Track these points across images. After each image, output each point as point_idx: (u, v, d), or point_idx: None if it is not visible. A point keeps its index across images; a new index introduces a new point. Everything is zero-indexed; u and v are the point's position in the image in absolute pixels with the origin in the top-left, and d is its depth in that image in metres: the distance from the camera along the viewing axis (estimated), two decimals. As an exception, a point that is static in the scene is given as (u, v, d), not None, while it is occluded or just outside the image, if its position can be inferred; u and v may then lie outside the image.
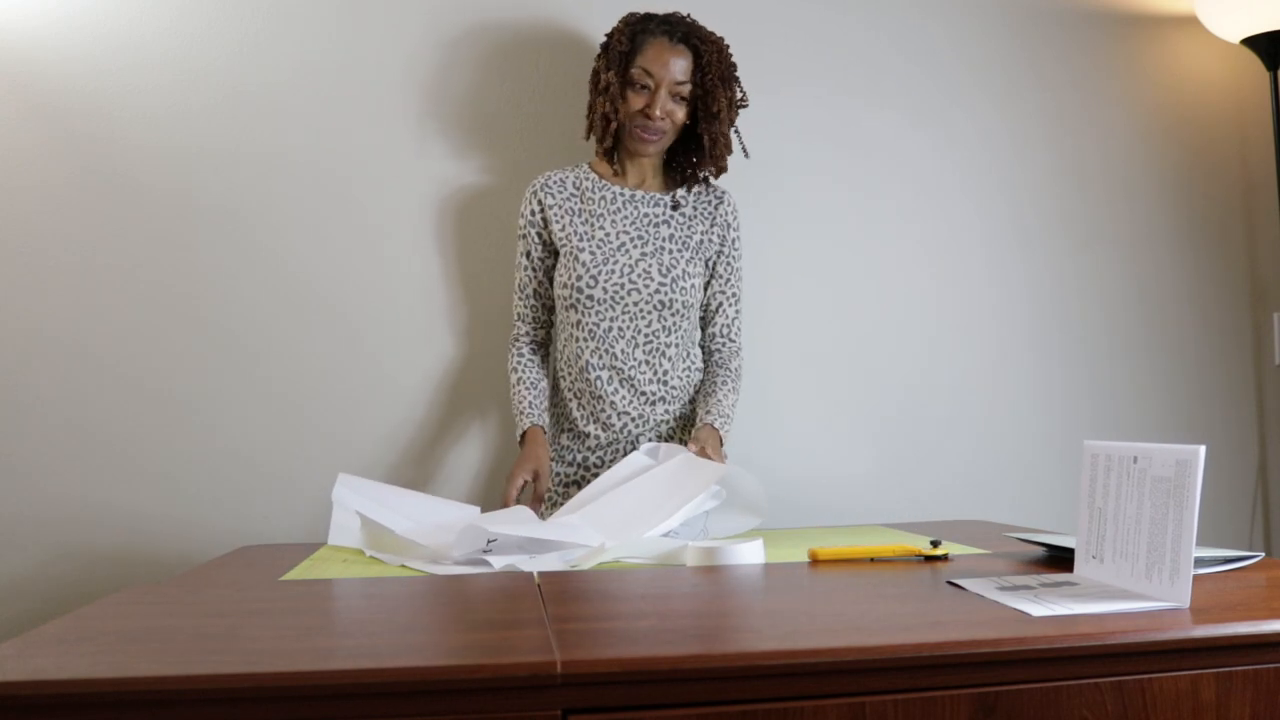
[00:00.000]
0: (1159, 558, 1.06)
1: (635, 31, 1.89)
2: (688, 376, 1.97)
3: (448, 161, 2.17)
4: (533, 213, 1.96)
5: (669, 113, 1.89)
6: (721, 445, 1.87)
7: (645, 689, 0.86)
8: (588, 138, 1.99)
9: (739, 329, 2.03)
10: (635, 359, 1.91)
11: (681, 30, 1.90)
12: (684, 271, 1.92)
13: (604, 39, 1.94)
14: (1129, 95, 2.42)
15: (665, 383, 1.93)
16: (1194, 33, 2.44)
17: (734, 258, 2.01)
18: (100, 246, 2.07)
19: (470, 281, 2.17)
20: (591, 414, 1.92)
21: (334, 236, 2.13)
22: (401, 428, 2.14)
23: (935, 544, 1.40)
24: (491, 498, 2.15)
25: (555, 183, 1.97)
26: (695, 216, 1.98)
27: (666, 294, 1.90)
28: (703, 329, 2.02)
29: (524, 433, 1.89)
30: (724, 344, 2.01)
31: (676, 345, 1.94)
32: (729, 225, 2.00)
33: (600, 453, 1.95)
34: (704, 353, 2.02)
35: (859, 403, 2.28)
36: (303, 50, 2.14)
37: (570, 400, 1.95)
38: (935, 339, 2.32)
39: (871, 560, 1.39)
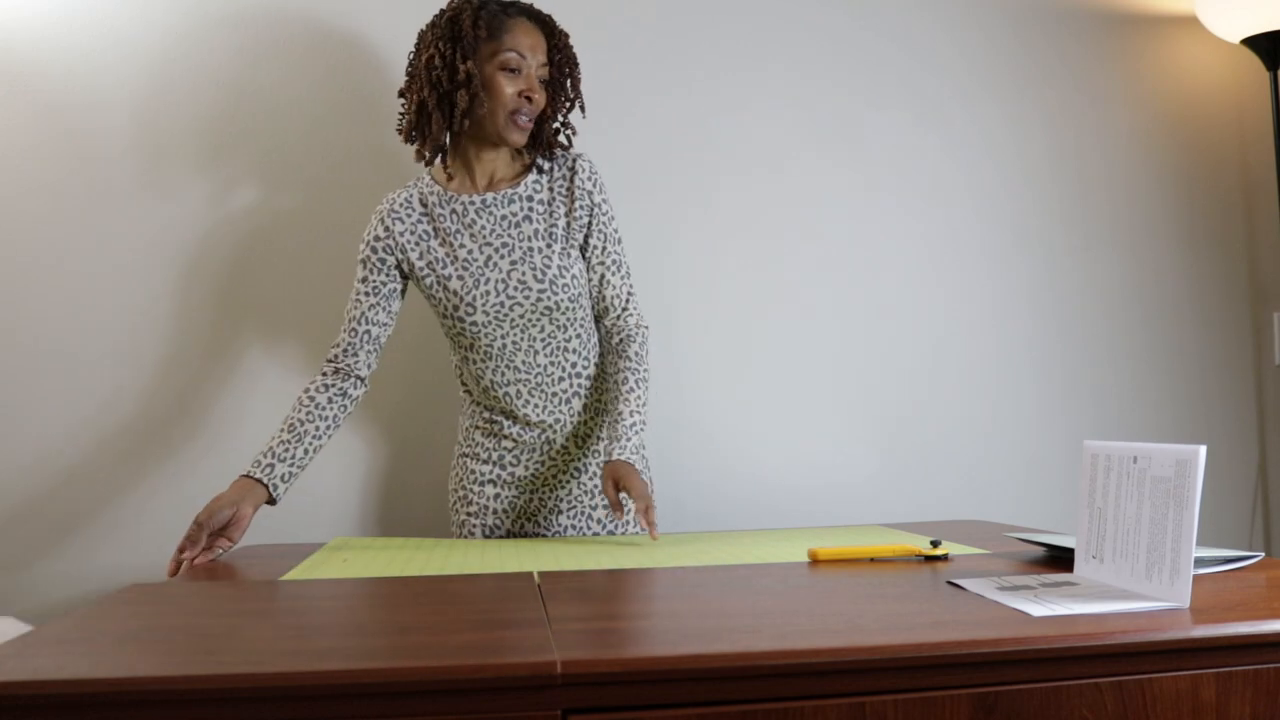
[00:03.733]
0: (1159, 558, 1.06)
1: (491, 15, 1.74)
2: (595, 361, 1.84)
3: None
4: (376, 239, 1.77)
5: (539, 95, 1.75)
6: (640, 470, 1.72)
7: (645, 689, 0.86)
8: (413, 140, 1.80)
9: (630, 297, 1.86)
10: (539, 364, 1.79)
11: (534, 11, 1.79)
12: (560, 268, 1.77)
13: (440, 29, 1.74)
14: (1129, 95, 2.42)
15: (576, 376, 1.82)
16: (1194, 33, 2.44)
17: (605, 223, 1.83)
18: (100, 247, 2.07)
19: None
20: (507, 417, 1.83)
21: (336, 237, 2.13)
22: (402, 429, 2.14)
23: (935, 544, 1.40)
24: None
25: (402, 206, 1.79)
26: (554, 199, 1.81)
27: (550, 298, 1.76)
28: (594, 307, 1.86)
29: (245, 475, 1.64)
30: (616, 321, 1.84)
31: (579, 337, 1.81)
32: (590, 192, 1.82)
33: (517, 452, 1.84)
34: (602, 336, 1.86)
35: (859, 403, 2.28)
36: (304, 51, 2.14)
37: (482, 410, 1.86)
38: (935, 339, 2.32)
39: (871, 560, 1.39)
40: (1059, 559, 1.36)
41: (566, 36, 1.81)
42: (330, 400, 1.75)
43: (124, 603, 1.16)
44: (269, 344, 2.11)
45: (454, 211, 1.80)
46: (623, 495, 1.69)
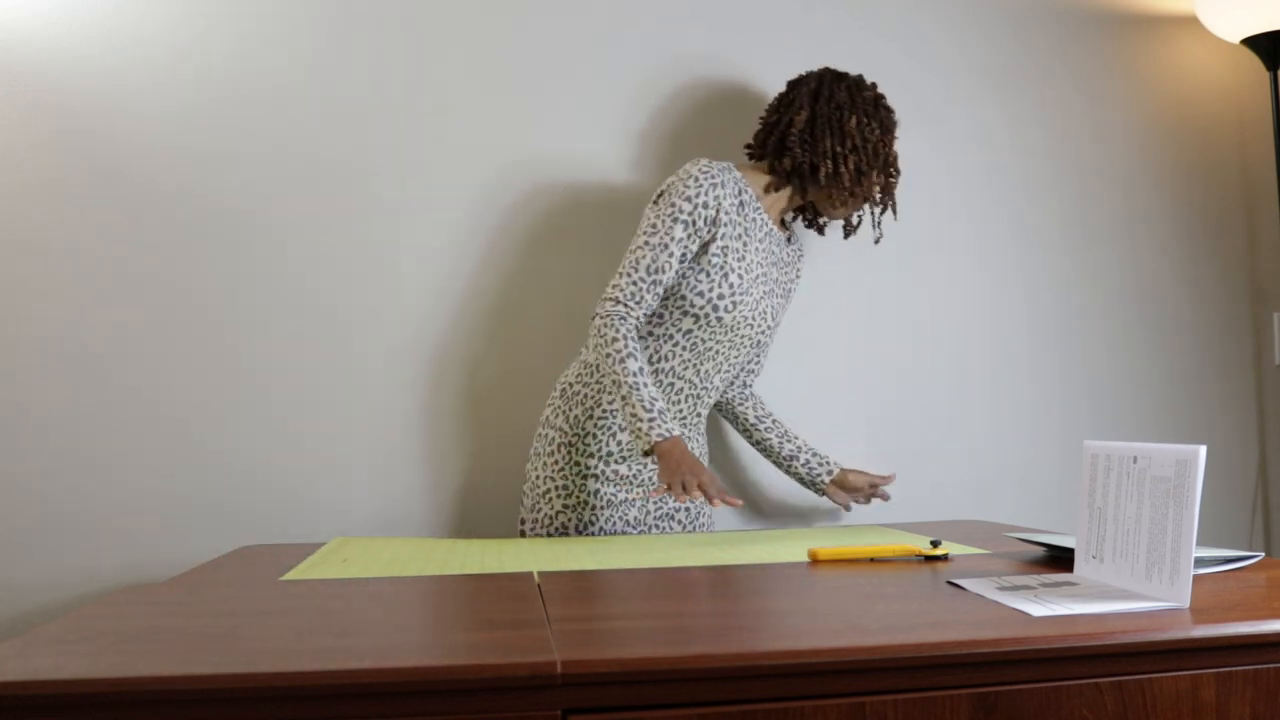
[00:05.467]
0: (1159, 558, 1.06)
1: (884, 114, 1.91)
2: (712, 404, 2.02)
3: (452, 164, 2.17)
4: (705, 205, 1.81)
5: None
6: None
7: (645, 689, 0.86)
8: (779, 163, 1.90)
9: None
10: (712, 383, 1.92)
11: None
12: (780, 320, 1.99)
13: (866, 102, 1.90)
14: (1129, 95, 2.42)
15: (709, 406, 1.97)
16: (1194, 33, 2.44)
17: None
18: (100, 247, 2.07)
19: (474, 285, 2.17)
20: None
21: (335, 238, 2.13)
22: (402, 430, 2.14)
23: (935, 544, 1.40)
24: (489, 497, 2.15)
25: (730, 181, 1.85)
26: (790, 263, 2.01)
27: (768, 337, 1.96)
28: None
29: (667, 438, 1.70)
30: (755, 379, 2.10)
31: (729, 381, 1.99)
32: (800, 278, 2.09)
33: (638, 466, 1.90)
34: (737, 385, 2.05)
35: (858, 403, 2.28)
36: (304, 51, 2.14)
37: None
38: (934, 339, 2.32)
39: (871, 560, 1.39)
40: (1059, 559, 1.36)
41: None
42: (647, 361, 1.86)
43: (124, 603, 1.16)
44: (270, 344, 2.11)
45: (755, 221, 1.89)
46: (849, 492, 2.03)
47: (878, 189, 1.92)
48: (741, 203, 1.87)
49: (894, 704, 0.89)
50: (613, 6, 2.22)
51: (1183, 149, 2.44)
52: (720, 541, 1.67)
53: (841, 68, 2.30)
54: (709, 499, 1.64)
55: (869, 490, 2.04)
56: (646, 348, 1.88)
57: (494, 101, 2.19)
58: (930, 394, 2.31)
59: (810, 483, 2.02)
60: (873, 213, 2.00)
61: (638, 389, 1.72)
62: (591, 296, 2.19)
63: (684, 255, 1.82)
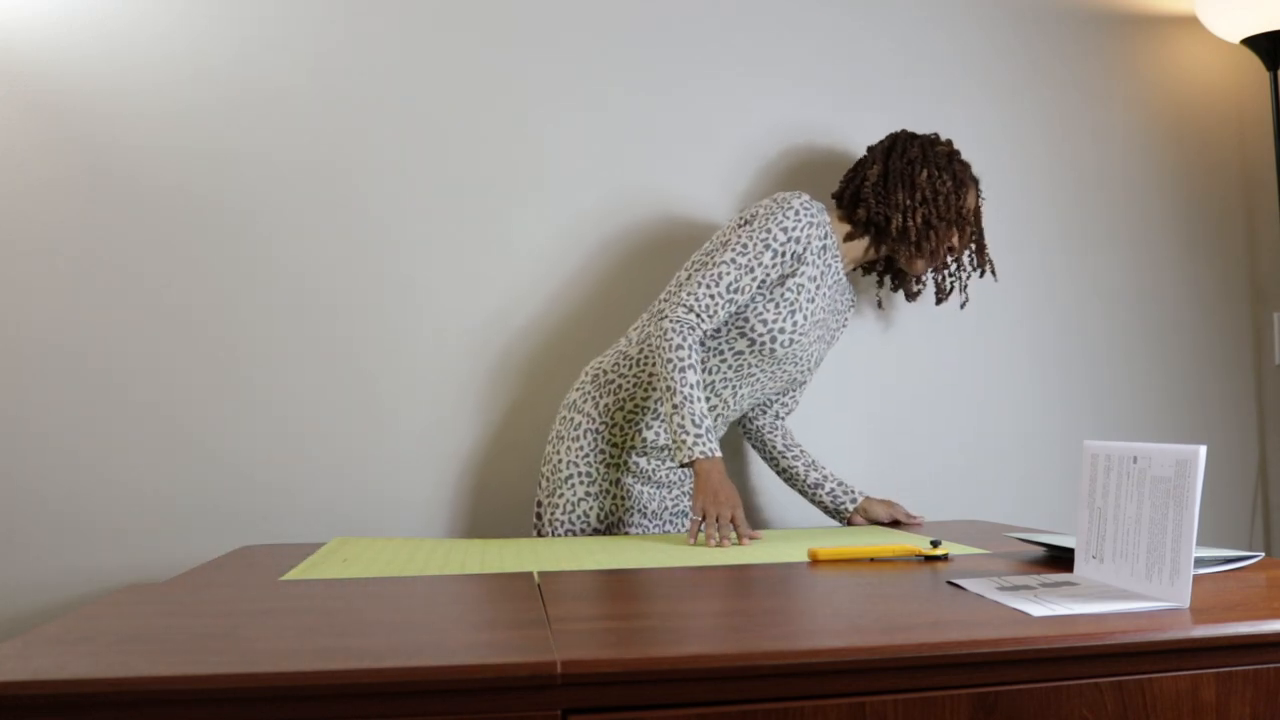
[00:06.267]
0: (1159, 558, 1.06)
1: (958, 168, 1.95)
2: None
3: (453, 164, 2.17)
4: (798, 240, 1.84)
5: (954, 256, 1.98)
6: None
7: (645, 689, 0.86)
8: (864, 217, 1.92)
9: None
10: (742, 407, 1.95)
11: (976, 180, 2.00)
12: (819, 363, 2.00)
13: (938, 158, 1.94)
14: (1129, 95, 2.42)
15: (728, 425, 2.01)
16: (1194, 33, 2.44)
17: None
18: (100, 247, 2.07)
19: (475, 285, 2.17)
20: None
21: (336, 239, 2.13)
22: (402, 430, 2.14)
23: (935, 544, 1.40)
24: (489, 497, 2.15)
25: (821, 224, 1.88)
26: (842, 310, 2.04)
27: (807, 376, 1.99)
28: (777, 396, 2.06)
29: (709, 457, 1.69)
30: (787, 416, 2.12)
31: (755, 412, 2.04)
32: (846, 327, 2.13)
33: (656, 462, 1.91)
34: (770, 414, 2.06)
35: (858, 403, 2.28)
36: (304, 50, 2.14)
37: (652, 393, 1.91)
38: (934, 339, 2.32)
39: (871, 560, 1.39)
40: (1059, 559, 1.36)
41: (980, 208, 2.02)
42: (700, 363, 1.86)
43: (124, 603, 1.16)
44: (270, 344, 2.11)
45: (830, 266, 1.92)
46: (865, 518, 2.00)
47: (952, 243, 1.94)
48: (825, 246, 1.90)
49: (894, 704, 0.89)
50: (614, 14, 2.22)
51: (1183, 149, 2.44)
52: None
53: (841, 67, 2.31)
54: (739, 537, 1.64)
55: (906, 519, 1.99)
56: None
57: (496, 102, 2.19)
58: (930, 394, 2.31)
59: (834, 511, 2.02)
60: (959, 274, 2.06)
61: (691, 401, 1.73)
62: (597, 295, 2.19)
63: (764, 281, 1.85)
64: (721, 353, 1.88)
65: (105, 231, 2.08)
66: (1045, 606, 1.02)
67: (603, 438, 1.90)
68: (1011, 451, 2.34)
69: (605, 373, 1.93)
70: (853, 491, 2.01)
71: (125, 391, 2.07)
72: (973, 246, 2.04)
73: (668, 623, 1.00)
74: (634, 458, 1.90)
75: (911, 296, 2.12)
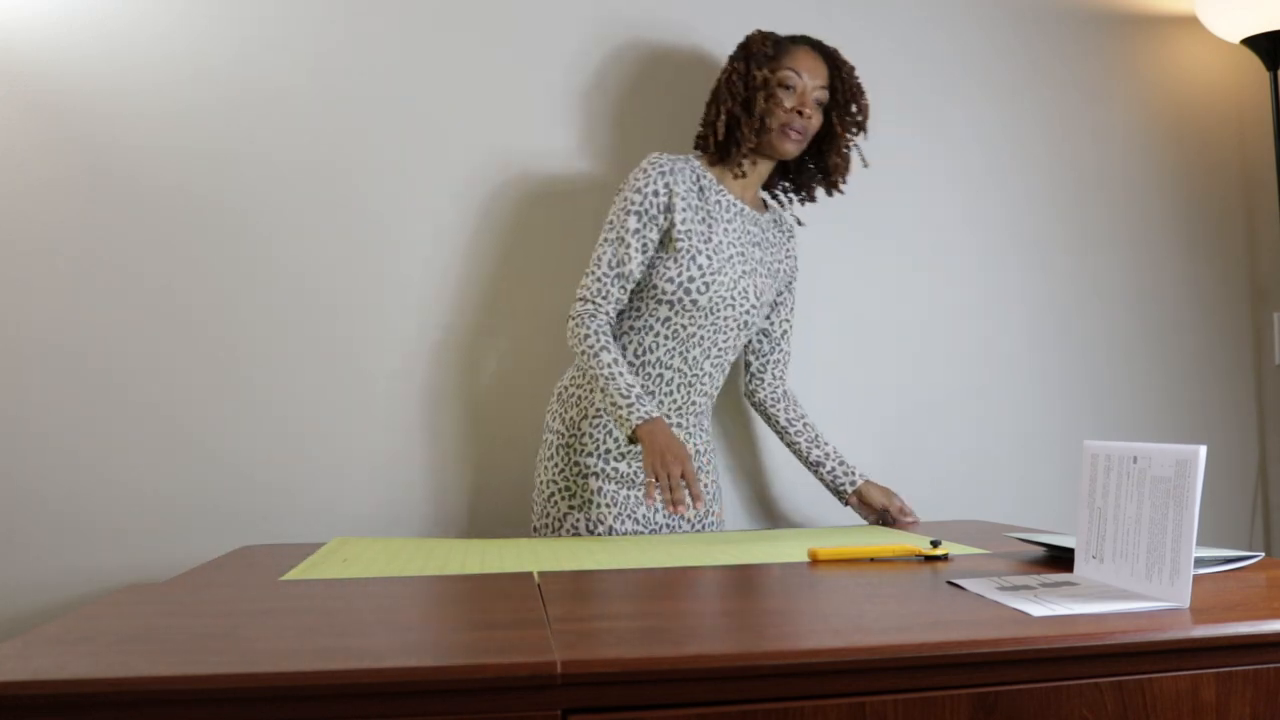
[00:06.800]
0: (1159, 558, 1.06)
1: (777, 40, 1.94)
2: (716, 396, 2.01)
3: (454, 164, 2.17)
4: (655, 193, 1.86)
5: (811, 113, 1.91)
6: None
7: (645, 689, 0.86)
8: (707, 145, 1.95)
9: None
10: (703, 369, 1.93)
11: (819, 43, 1.96)
12: (768, 299, 1.98)
13: (735, 54, 1.95)
14: (1129, 95, 2.42)
15: (710, 395, 1.97)
16: (1194, 33, 2.44)
17: (794, 292, 2.09)
18: (99, 247, 2.07)
19: (476, 285, 2.17)
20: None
21: (336, 239, 2.13)
22: (402, 429, 2.14)
23: (935, 544, 1.40)
24: (490, 497, 2.15)
25: (680, 169, 1.89)
26: (776, 243, 2.02)
27: (754, 316, 1.95)
28: (761, 355, 2.06)
29: (648, 420, 1.73)
30: (781, 376, 2.08)
31: (730, 364, 1.99)
32: (796, 257, 2.08)
33: (626, 446, 1.89)
34: (767, 382, 2.06)
35: (858, 403, 2.28)
36: (304, 50, 2.14)
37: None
38: (934, 339, 2.32)
39: (871, 560, 1.39)
40: (1059, 559, 1.36)
41: (851, 68, 1.97)
42: (621, 352, 1.87)
43: (124, 603, 1.16)
44: (270, 344, 2.11)
45: (719, 203, 1.92)
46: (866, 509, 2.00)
47: (776, 111, 1.88)
48: (701, 188, 1.91)
49: (894, 704, 0.89)
50: (612, 14, 2.22)
51: (1183, 149, 2.44)
52: (720, 541, 1.68)
53: (841, 68, 2.31)
54: (693, 499, 1.65)
55: (885, 514, 1.99)
56: (630, 342, 1.90)
57: (497, 101, 2.19)
58: (930, 394, 2.31)
59: (835, 491, 2.02)
60: (836, 145, 1.98)
61: (614, 379, 1.77)
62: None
63: (644, 246, 1.86)
64: (652, 327, 1.89)
65: (105, 231, 2.08)
66: (1045, 606, 1.02)
67: (574, 450, 1.90)
68: (1011, 451, 2.34)
69: (566, 388, 1.95)
70: (852, 473, 2.00)
71: (125, 391, 2.07)
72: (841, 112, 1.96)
73: (667, 623, 0.99)
74: (604, 463, 1.89)
75: (831, 188, 2.03)
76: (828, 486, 2.02)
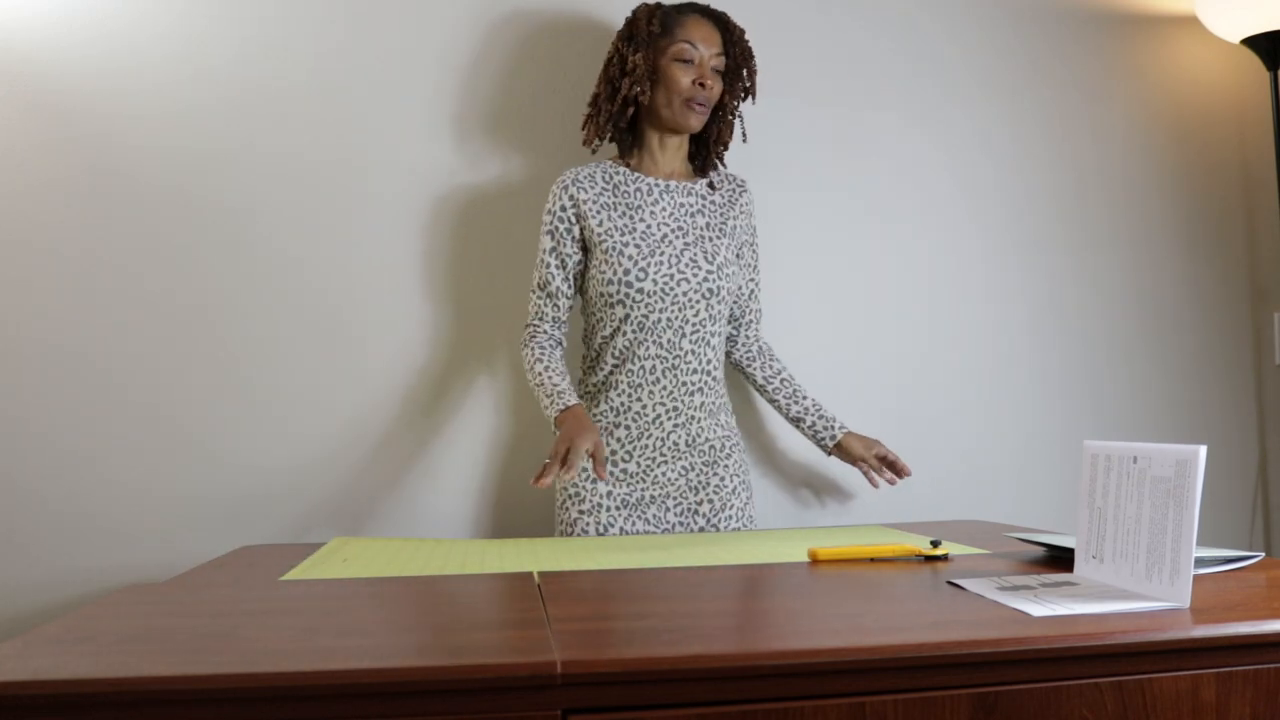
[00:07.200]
0: (1159, 558, 1.06)
1: (665, 13, 1.93)
2: (722, 364, 1.99)
3: (454, 164, 2.17)
4: (563, 208, 1.91)
5: (712, 84, 1.91)
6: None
7: (645, 689, 0.86)
8: (591, 143, 1.97)
9: (760, 317, 2.10)
10: (682, 348, 1.91)
11: (709, 9, 1.95)
12: (725, 259, 1.94)
13: (622, 31, 1.95)
14: (1129, 95, 2.42)
15: (708, 372, 1.94)
16: (1194, 33, 2.44)
17: (756, 246, 2.06)
18: (99, 247, 2.07)
19: (477, 285, 2.17)
20: (626, 406, 1.90)
21: (336, 239, 2.13)
22: (403, 431, 2.14)
23: (935, 544, 1.40)
24: (490, 497, 2.15)
25: (585, 178, 1.93)
26: (725, 203, 2.00)
27: (714, 281, 1.92)
28: (733, 318, 2.05)
29: (566, 409, 1.80)
30: (753, 332, 2.06)
31: (718, 335, 1.96)
32: (751, 214, 2.04)
33: (630, 446, 1.91)
34: (740, 343, 2.05)
35: (858, 402, 2.28)
36: (304, 51, 2.14)
37: (600, 397, 1.92)
38: (934, 339, 2.32)
39: (871, 560, 1.39)
40: (1059, 559, 1.36)
41: (742, 32, 1.96)
42: (559, 359, 1.91)
43: (124, 603, 1.16)
44: (270, 344, 2.11)
45: (638, 190, 1.94)
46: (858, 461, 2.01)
47: (633, 89, 1.89)
48: (615, 185, 1.94)
49: (894, 704, 0.89)
50: (611, 15, 2.23)
51: (1183, 149, 2.44)
52: (720, 541, 1.68)
53: (841, 67, 2.31)
54: (566, 467, 1.64)
55: (874, 463, 2.00)
56: (605, 352, 1.91)
57: (498, 102, 2.19)
58: (930, 394, 2.31)
59: (819, 444, 2.03)
60: (723, 108, 1.96)
61: (544, 384, 1.85)
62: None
63: (562, 261, 1.92)
64: (619, 329, 1.89)
65: (105, 231, 2.08)
66: (1045, 606, 1.02)
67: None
68: (1011, 451, 2.34)
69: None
70: (832, 426, 2.01)
71: (125, 391, 2.07)
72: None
73: (668, 623, 1.00)
74: (620, 465, 1.90)
75: (716, 157, 2.02)
76: (813, 441, 2.03)
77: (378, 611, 1.08)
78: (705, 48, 1.90)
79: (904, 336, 2.31)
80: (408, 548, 1.67)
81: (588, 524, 1.88)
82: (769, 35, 2.28)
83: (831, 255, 2.29)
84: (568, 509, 1.91)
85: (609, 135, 1.97)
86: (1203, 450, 1.03)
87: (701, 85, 1.89)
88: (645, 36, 1.90)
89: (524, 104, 2.20)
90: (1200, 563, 1.24)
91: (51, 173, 2.06)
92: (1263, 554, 1.72)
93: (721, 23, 1.94)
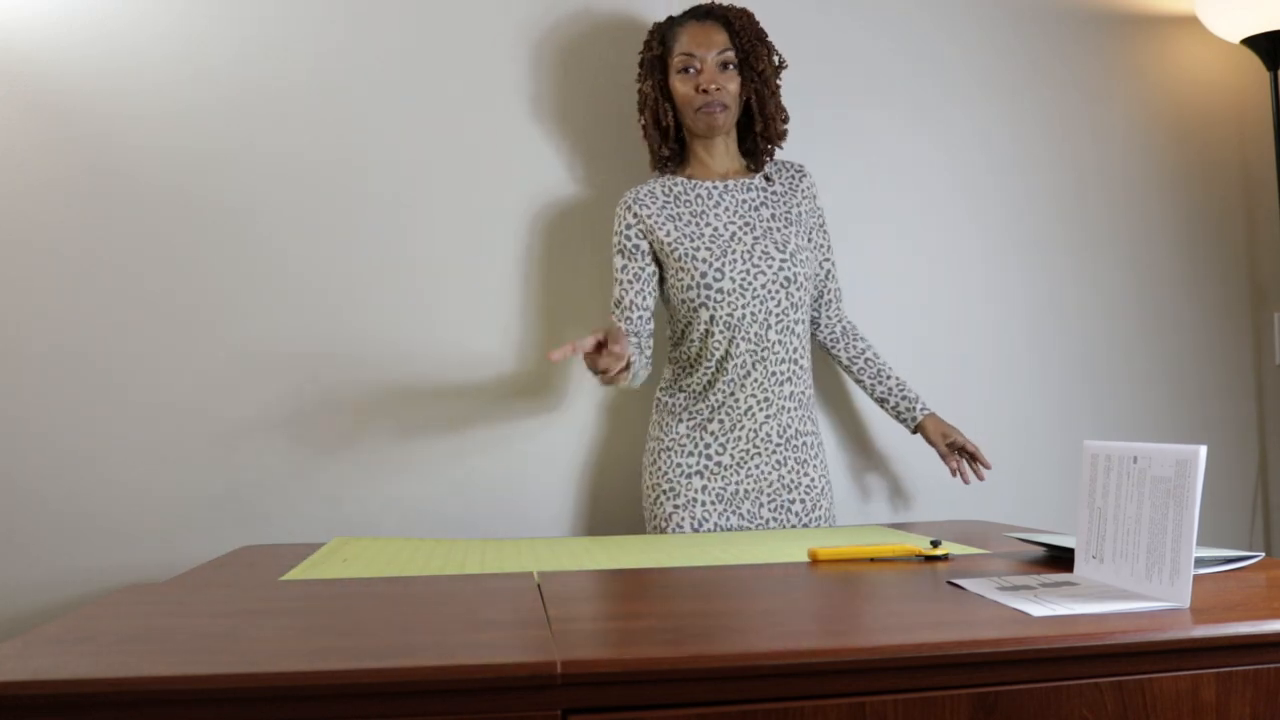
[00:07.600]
0: (1159, 558, 1.06)
1: (663, 31, 1.98)
2: (809, 354, 2.01)
3: (455, 164, 2.17)
4: (628, 225, 1.95)
5: (722, 83, 1.91)
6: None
7: (645, 689, 0.86)
8: (657, 167, 2.02)
9: (841, 295, 2.13)
10: (769, 339, 1.93)
11: (706, 8, 1.98)
12: (798, 245, 1.96)
13: (639, 63, 2.00)
14: (1129, 95, 2.42)
15: (796, 361, 1.96)
16: (1194, 33, 2.44)
17: (826, 228, 2.08)
18: (100, 247, 2.07)
19: (478, 285, 2.17)
20: (721, 402, 1.93)
21: (336, 239, 2.13)
22: (402, 430, 2.14)
23: (935, 544, 1.40)
24: (490, 497, 2.15)
25: (646, 194, 1.97)
26: (786, 192, 2.01)
27: (790, 269, 1.93)
28: (814, 300, 2.06)
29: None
30: (838, 313, 2.09)
31: (802, 323, 1.97)
32: (816, 197, 2.05)
33: (723, 440, 1.93)
34: (824, 323, 2.07)
35: (857, 403, 2.28)
36: (304, 51, 2.14)
37: (699, 398, 1.95)
38: (934, 339, 2.32)
39: (871, 560, 1.39)
40: (1059, 559, 1.36)
41: (745, 17, 1.98)
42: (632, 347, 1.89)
43: (124, 603, 1.16)
44: (269, 344, 2.11)
45: (698, 195, 1.97)
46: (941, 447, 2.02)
47: (686, 88, 1.92)
48: (674, 197, 1.96)
49: (894, 704, 0.89)
50: (612, 16, 2.22)
51: (1183, 149, 2.44)
52: (720, 541, 1.68)
53: (841, 67, 2.31)
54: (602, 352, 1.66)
55: (943, 449, 2.02)
56: (700, 360, 1.94)
57: (498, 102, 2.19)
58: (930, 393, 2.31)
59: (903, 424, 2.07)
60: (754, 103, 1.98)
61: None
62: (600, 292, 2.19)
63: (636, 277, 1.94)
64: (709, 332, 1.91)
65: (105, 231, 2.08)
66: (1045, 606, 1.02)
67: (675, 452, 1.95)
68: (1011, 452, 2.34)
69: (659, 398, 2.02)
70: (914, 408, 2.04)
71: (125, 391, 2.07)
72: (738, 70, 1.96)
73: (668, 623, 1.00)
74: (715, 458, 1.93)
75: (775, 140, 2.01)
76: (895, 420, 2.08)
77: (378, 611, 1.08)
78: (706, 50, 1.91)
79: (904, 336, 2.31)
80: (408, 548, 1.67)
81: (682, 519, 1.91)
82: (776, 36, 2.27)
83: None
84: (662, 504, 1.93)
85: (669, 156, 2.01)
86: (1203, 450, 1.03)
87: (704, 91, 1.91)
88: (651, 61, 1.97)
89: (524, 104, 2.20)
90: (1200, 563, 1.24)
91: (51, 173, 2.06)
92: (1263, 554, 1.72)
93: (720, 17, 1.96)
